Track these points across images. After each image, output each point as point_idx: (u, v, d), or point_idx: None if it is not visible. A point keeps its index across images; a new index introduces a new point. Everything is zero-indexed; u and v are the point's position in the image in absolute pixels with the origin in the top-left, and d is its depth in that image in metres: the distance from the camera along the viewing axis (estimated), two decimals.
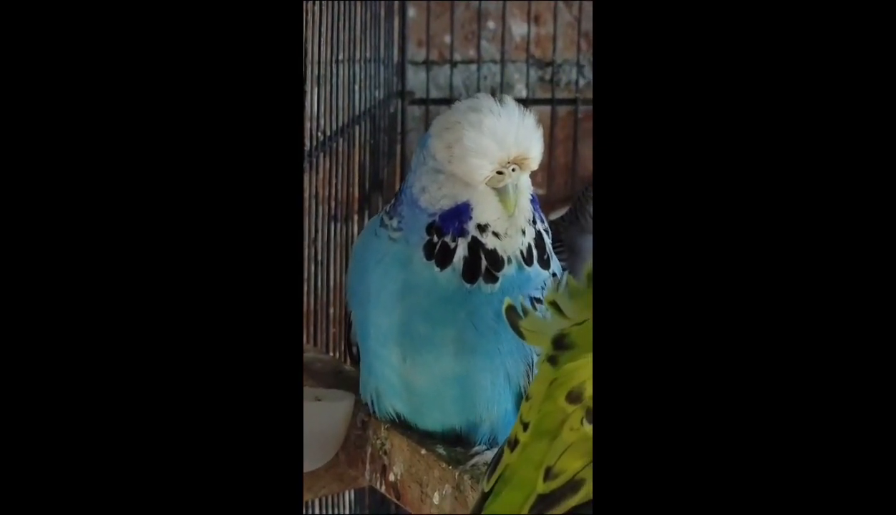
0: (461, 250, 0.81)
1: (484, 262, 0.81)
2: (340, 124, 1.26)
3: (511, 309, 0.71)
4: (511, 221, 0.81)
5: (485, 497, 0.69)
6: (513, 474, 0.67)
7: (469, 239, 0.81)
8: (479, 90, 1.46)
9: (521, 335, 0.71)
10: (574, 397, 0.66)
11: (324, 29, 1.20)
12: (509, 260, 0.82)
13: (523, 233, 0.82)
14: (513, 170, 0.81)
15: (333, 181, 1.26)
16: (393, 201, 0.86)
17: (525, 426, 0.68)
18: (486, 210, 0.81)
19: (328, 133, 1.24)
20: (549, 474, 0.65)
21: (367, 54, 1.33)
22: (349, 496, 1.27)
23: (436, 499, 0.84)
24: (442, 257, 0.81)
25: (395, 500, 0.89)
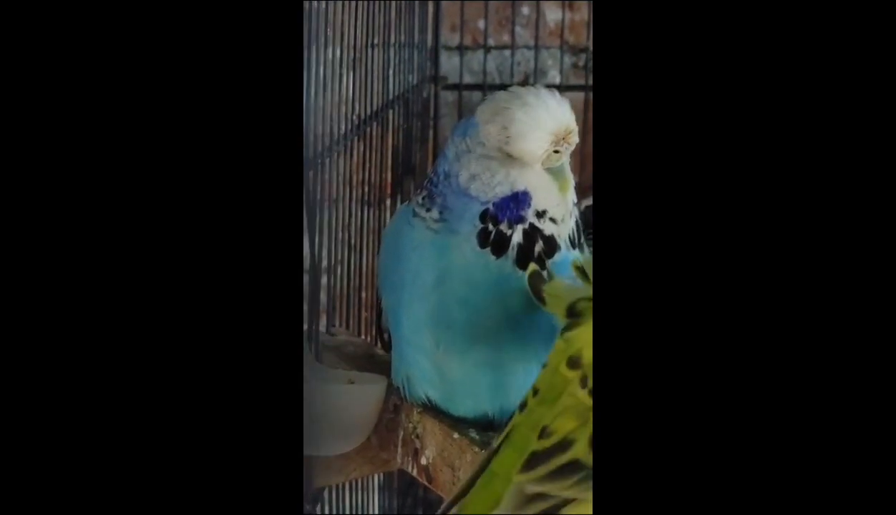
0: (516, 237, 0.82)
1: (538, 248, 0.82)
2: (374, 108, 1.27)
3: (536, 274, 0.73)
4: (565, 204, 0.82)
5: (492, 454, 0.71)
6: (515, 433, 0.70)
7: (527, 225, 0.82)
8: (512, 76, 1.46)
9: (542, 300, 0.73)
10: (573, 362, 0.69)
11: (359, 13, 1.21)
12: (561, 245, 0.82)
13: (571, 216, 0.83)
14: (564, 148, 0.82)
15: (367, 165, 1.27)
16: (424, 191, 0.86)
17: (535, 391, 0.71)
18: (544, 196, 0.82)
19: (362, 117, 1.24)
20: (543, 432, 0.68)
21: (402, 39, 1.34)
22: (377, 479, 1.28)
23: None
24: (498, 245, 0.82)
25: (426, 483, 0.90)
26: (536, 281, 0.74)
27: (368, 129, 1.26)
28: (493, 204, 0.82)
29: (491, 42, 1.47)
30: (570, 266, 0.74)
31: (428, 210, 0.85)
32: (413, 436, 0.90)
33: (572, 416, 0.68)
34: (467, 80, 1.47)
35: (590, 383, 0.67)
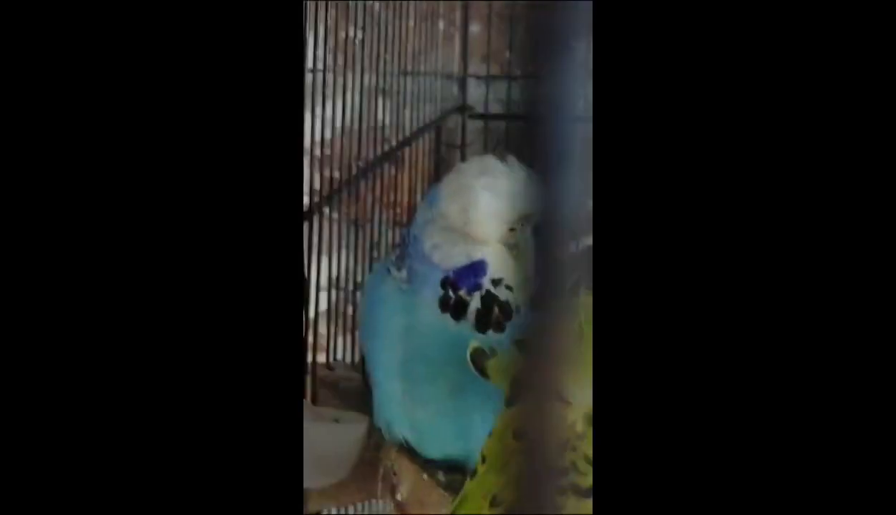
0: (475, 303, 0.86)
1: (496, 313, 0.86)
2: (405, 135, 1.32)
3: (478, 351, 0.77)
4: (522, 273, 0.85)
5: None
6: (468, 499, 0.75)
7: (483, 292, 0.86)
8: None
9: (485, 375, 0.76)
10: (519, 435, 0.71)
11: (390, 41, 1.27)
12: (518, 310, 0.86)
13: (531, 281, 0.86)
14: (523, 225, 0.84)
15: (398, 188, 1.32)
16: (399, 252, 0.91)
17: (483, 459, 0.75)
18: (500, 266, 0.86)
19: (393, 143, 1.30)
20: (494, 500, 0.73)
21: (431, 67, 1.39)
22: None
23: None
24: (457, 310, 0.86)
25: None
26: (479, 357, 0.77)
27: (400, 154, 1.31)
28: (453, 271, 0.86)
29: (517, 71, 1.51)
30: (511, 342, 0.79)
31: (399, 269, 0.90)
32: (392, 473, 0.95)
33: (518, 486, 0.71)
34: (494, 109, 1.50)
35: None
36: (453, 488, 0.87)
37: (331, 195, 1.15)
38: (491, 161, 0.87)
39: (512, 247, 0.85)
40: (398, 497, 0.95)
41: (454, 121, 1.48)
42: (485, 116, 1.50)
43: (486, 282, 0.86)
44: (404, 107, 1.32)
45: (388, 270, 0.91)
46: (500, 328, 0.86)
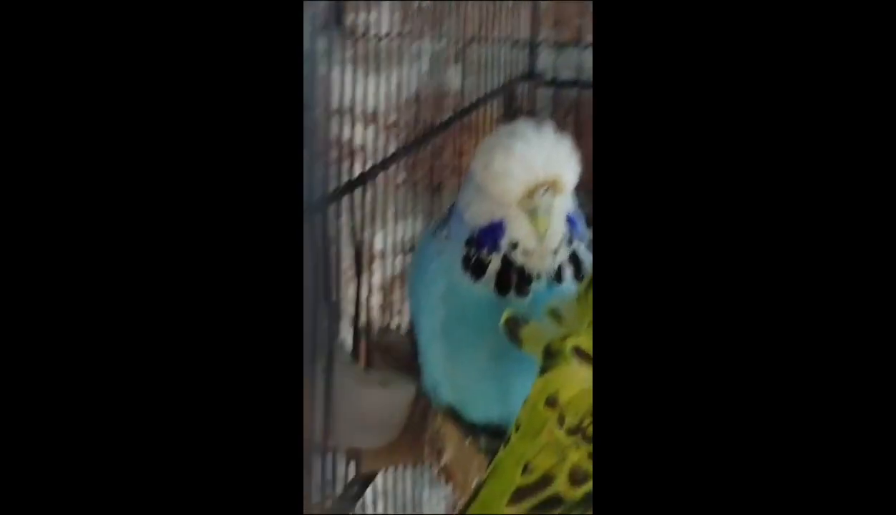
0: (495, 264, 0.86)
1: (513, 277, 0.85)
2: (475, 99, 1.33)
3: (511, 320, 0.77)
4: (540, 240, 0.84)
5: (480, 485, 0.77)
6: (501, 468, 0.76)
7: (502, 254, 0.85)
8: None
9: (519, 343, 0.76)
10: (551, 402, 0.73)
11: (460, 7, 1.27)
12: (538, 277, 0.85)
13: (554, 252, 0.85)
14: (545, 192, 0.83)
15: (467, 154, 1.33)
16: (448, 210, 0.91)
17: (517, 427, 0.76)
18: (517, 229, 0.85)
19: (465, 106, 1.31)
20: (526, 468, 0.73)
21: (501, 33, 1.40)
22: None
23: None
24: (476, 270, 0.86)
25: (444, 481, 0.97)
26: (512, 325, 0.77)
27: (470, 119, 1.32)
28: (478, 231, 0.86)
29: (588, 38, 1.50)
30: (544, 310, 0.77)
31: (442, 229, 0.90)
32: (437, 437, 0.97)
33: (551, 453, 0.72)
34: (564, 75, 1.50)
35: (567, 421, 0.72)
36: (494, 453, 0.87)
37: (399, 160, 1.16)
38: (522, 124, 0.86)
39: (530, 211, 0.84)
40: (443, 461, 0.97)
41: (522, 88, 1.48)
42: (554, 83, 1.49)
43: (504, 245, 0.85)
44: (474, 74, 1.33)
45: (434, 232, 0.91)
46: (522, 292, 0.85)
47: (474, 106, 1.32)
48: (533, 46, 1.49)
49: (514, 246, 0.85)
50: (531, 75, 1.49)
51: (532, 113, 1.49)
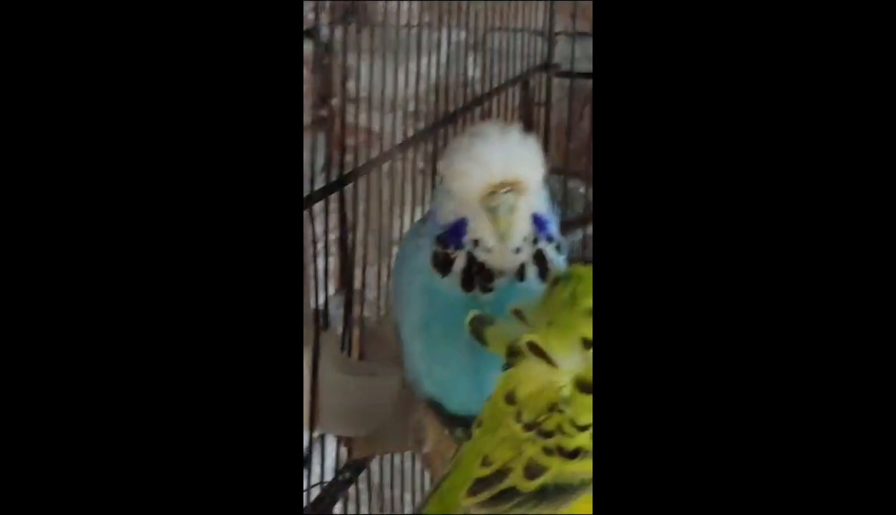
0: (460, 261, 0.87)
1: (475, 275, 0.87)
2: (491, 88, 1.35)
3: (475, 320, 0.79)
4: (501, 239, 0.86)
5: (444, 476, 0.79)
6: (463, 460, 0.78)
7: (466, 252, 0.87)
8: None
9: (484, 342, 0.78)
10: (509, 398, 0.75)
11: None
12: (500, 274, 0.87)
13: (517, 251, 0.87)
14: (506, 191, 0.85)
15: None
16: (427, 210, 0.93)
17: (479, 422, 0.78)
18: (479, 227, 0.86)
19: (481, 95, 1.33)
20: (485, 461, 0.75)
21: (519, 24, 1.41)
22: None
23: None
24: (444, 266, 0.88)
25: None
26: (477, 325, 0.79)
27: (487, 106, 1.34)
28: (446, 228, 0.88)
29: None
30: (508, 310, 0.78)
31: (422, 226, 0.92)
32: (420, 427, 0.98)
33: (509, 447, 0.75)
34: (581, 67, 1.50)
35: (524, 417, 0.74)
36: None
37: (417, 147, 1.18)
38: (487, 125, 0.88)
39: (491, 210, 0.85)
40: (425, 450, 0.99)
41: (538, 78, 1.49)
42: (570, 74, 1.50)
43: (467, 242, 0.87)
44: (492, 64, 1.34)
45: (417, 229, 0.94)
46: (485, 289, 0.87)
47: (486, 96, 1.34)
48: (550, 36, 1.50)
49: (476, 243, 0.87)
50: (546, 66, 1.50)
51: (547, 103, 1.50)
